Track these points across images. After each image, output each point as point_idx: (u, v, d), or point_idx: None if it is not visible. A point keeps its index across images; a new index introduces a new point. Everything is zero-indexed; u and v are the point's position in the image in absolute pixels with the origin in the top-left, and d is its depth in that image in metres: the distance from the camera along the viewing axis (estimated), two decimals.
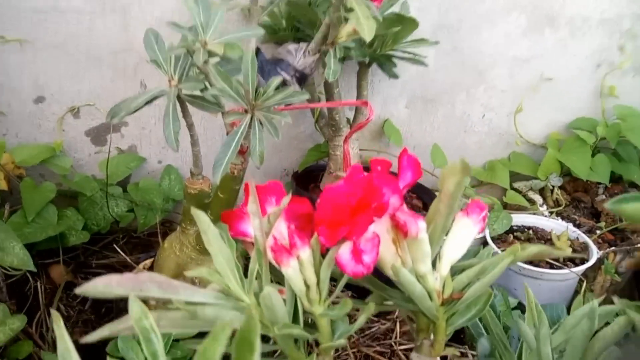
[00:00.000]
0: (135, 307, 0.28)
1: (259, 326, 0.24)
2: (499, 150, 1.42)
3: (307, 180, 1.27)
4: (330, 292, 0.34)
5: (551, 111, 1.41)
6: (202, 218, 0.34)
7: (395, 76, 1.07)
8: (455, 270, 0.33)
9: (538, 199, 1.37)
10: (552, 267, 1.10)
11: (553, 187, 1.38)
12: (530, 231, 1.24)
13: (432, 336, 0.35)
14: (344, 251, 0.30)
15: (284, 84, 0.80)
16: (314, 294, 0.32)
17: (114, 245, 1.15)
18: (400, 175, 0.32)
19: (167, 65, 0.72)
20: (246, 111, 0.65)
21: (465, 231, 0.32)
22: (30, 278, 1.08)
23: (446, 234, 0.32)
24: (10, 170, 1.09)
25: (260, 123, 0.65)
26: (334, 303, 0.32)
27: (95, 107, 1.11)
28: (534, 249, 0.31)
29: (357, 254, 0.29)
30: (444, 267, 0.32)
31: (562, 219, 1.30)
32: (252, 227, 0.35)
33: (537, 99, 1.38)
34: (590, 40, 1.34)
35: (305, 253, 0.32)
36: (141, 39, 1.02)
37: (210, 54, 0.64)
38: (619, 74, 1.40)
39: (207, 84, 0.67)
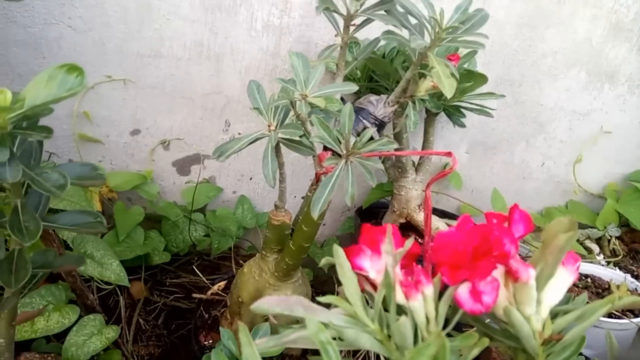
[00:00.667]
0: (312, 324, 0.35)
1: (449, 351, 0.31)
2: (556, 197, 1.46)
3: (369, 216, 1.34)
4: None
5: (609, 163, 1.44)
6: (339, 252, 0.42)
7: (462, 125, 1.14)
8: (552, 314, 0.39)
9: (595, 247, 1.39)
10: (610, 316, 1.12)
11: (611, 237, 1.40)
12: (588, 279, 1.26)
13: None
14: (463, 291, 0.37)
15: (364, 130, 0.88)
16: (433, 326, 0.39)
17: (193, 267, 1.25)
18: (512, 227, 0.39)
19: (268, 112, 0.81)
20: (340, 156, 0.73)
21: (563, 280, 0.38)
22: (114, 293, 1.18)
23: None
24: (105, 193, 1.21)
25: (350, 167, 0.74)
26: (448, 335, 0.39)
27: (184, 141, 1.22)
28: (630, 299, 0.37)
29: (476, 294, 0.35)
30: (544, 311, 0.38)
31: (620, 269, 1.32)
32: (374, 263, 0.43)
33: (596, 151, 1.42)
34: None
35: (429, 290, 0.38)
36: (230, 84, 1.14)
37: (312, 105, 0.73)
38: None
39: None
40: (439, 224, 1.16)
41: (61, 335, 0.99)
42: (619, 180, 1.47)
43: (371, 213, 1.36)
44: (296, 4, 1.11)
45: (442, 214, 1.36)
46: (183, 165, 1.27)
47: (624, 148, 1.43)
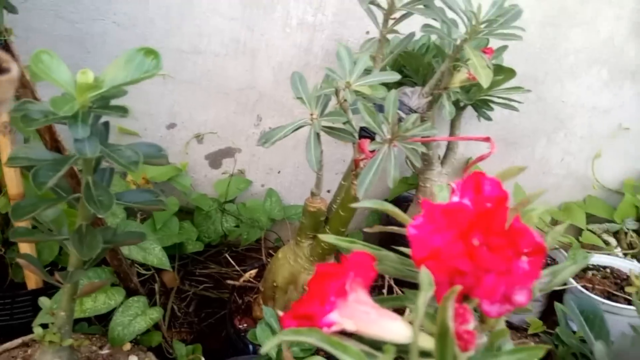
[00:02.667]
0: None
1: None
2: (575, 192, 1.49)
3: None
4: None
5: (627, 159, 1.48)
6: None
7: (488, 118, 1.17)
8: None
9: (612, 241, 1.43)
10: (629, 303, 1.15)
11: (628, 230, 1.44)
12: (607, 270, 1.29)
13: None
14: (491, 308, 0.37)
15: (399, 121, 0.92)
16: None
17: (225, 256, 1.29)
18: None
19: (310, 102, 0.85)
20: (383, 141, 0.77)
21: None
22: (148, 281, 1.22)
23: None
24: (141, 184, 1.25)
25: (393, 154, 0.78)
26: None
27: (217, 135, 1.27)
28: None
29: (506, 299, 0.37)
30: None
31: (638, 261, 1.35)
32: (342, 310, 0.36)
33: (615, 147, 1.45)
34: None
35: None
36: (263, 79, 1.18)
37: (357, 93, 0.77)
38: None
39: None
40: None
41: (102, 318, 1.04)
42: (637, 176, 1.51)
43: (396, 206, 1.39)
44: (330, 3, 1.15)
45: None
46: (215, 159, 1.31)
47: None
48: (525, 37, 1.19)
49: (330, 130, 0.84)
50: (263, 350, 0.37)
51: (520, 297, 0.34)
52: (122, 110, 0.58)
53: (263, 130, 1.29)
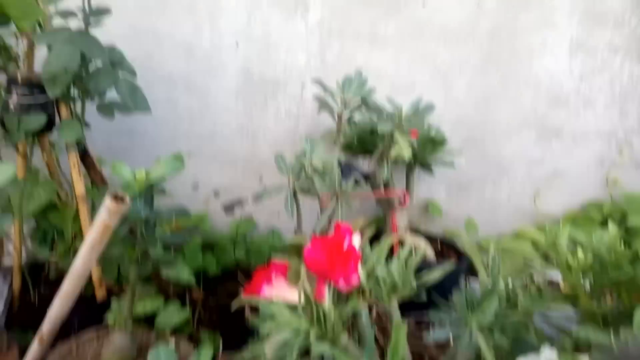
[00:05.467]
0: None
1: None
2: (525, 221, 1.81)
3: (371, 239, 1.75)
4: None
5: (565, 195, 1.81)
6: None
7: (432, 174, 1.55)
8: None
9: None
10: None
11: None
12: None
13: None
14: (340, 283, 0.77)
15: (356, 182, 1.32)
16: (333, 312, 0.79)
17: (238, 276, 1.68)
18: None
19: (288, 172, 1.25)
20: (333, 197, 1.17)
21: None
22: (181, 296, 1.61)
23: None
24: (174, 228, 1.67)
25: (340, 204, 1.17)
26: None
27: (230, 190, 1.69)
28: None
29: (348, 282, 0.75)
30: None
31: None
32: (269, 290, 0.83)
33: (553, 186, 1.79)
34: (593, 147, 1.76)
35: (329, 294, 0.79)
36: (262, 151, 1.62)
37: (314, 168, 1.17)
38: (620, 168, 1.79)
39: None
40: (421, 243, 1.55)
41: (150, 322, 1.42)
42: (575, 209, 1.83)
43: (376, 236, 1.76)
44: (308, 100, 1.61)
45: (430, 236, 1.76)
46: (229, 209, 1.73)
47: (577, 185, 1.80)
48: (464, 111, 1.60)
49: (303, 191, 1.24)
50: (234, 306, 0.76)
51: (354, 280, 0.73)
52: (163, 192, 0.99)
53: (264, 186, 1.71)
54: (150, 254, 1.26)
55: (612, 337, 0.49)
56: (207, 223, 1.70)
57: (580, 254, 0.65)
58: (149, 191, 0.97)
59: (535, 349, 0.67)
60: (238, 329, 1.46)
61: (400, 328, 0.66)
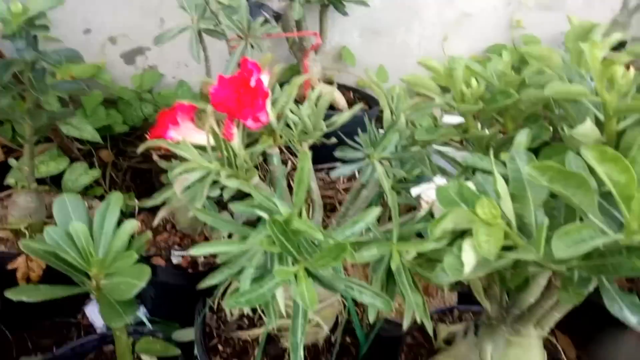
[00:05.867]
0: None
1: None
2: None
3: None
4: None
5: (471, 40, 1.84)
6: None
7: (345, 14, 1.49)
8: None
9: None
10: None
11: None
12: None
13: None
14: (249, 122, 0.75)
15: (266, 21, 1.23)
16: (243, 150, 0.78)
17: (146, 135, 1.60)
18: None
19: (191, 9, 1.14)
20: (242, 38, 1.09)
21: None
22: (87, 156, 1.53)
23: None
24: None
25: (252, 46, 1.10)
26: None
27: (127, 36, 1.53)
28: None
29: (257, 120, 0.73)
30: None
31: None
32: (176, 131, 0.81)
33: (461, 30, 1.80)
34: None
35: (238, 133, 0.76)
36: None
37: (220, 3, 1.07)
38: (525, 9, 1.82)
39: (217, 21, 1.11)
40: (330, 88, 1.54)
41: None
42: (480, 53, 1.88)
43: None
44: None
45: (344, 86, 1.75)
46: (129, 57, 1.58)
47: (483, 27, 1.82)
48: None
49: (208, 31, 1.15)
50: (139, 150, 0.72)
51: (262, 118, 0.71)
52: (45, 29, 0.87)
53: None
54: (44, 105, 1.16)
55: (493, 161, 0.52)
56: (106, 74, 1.56)
57: (474, 82, 0.66)
58: (29, 28, 0.84)
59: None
60: (154, 191, 1.42)
61: (305, 155, 0.66)
